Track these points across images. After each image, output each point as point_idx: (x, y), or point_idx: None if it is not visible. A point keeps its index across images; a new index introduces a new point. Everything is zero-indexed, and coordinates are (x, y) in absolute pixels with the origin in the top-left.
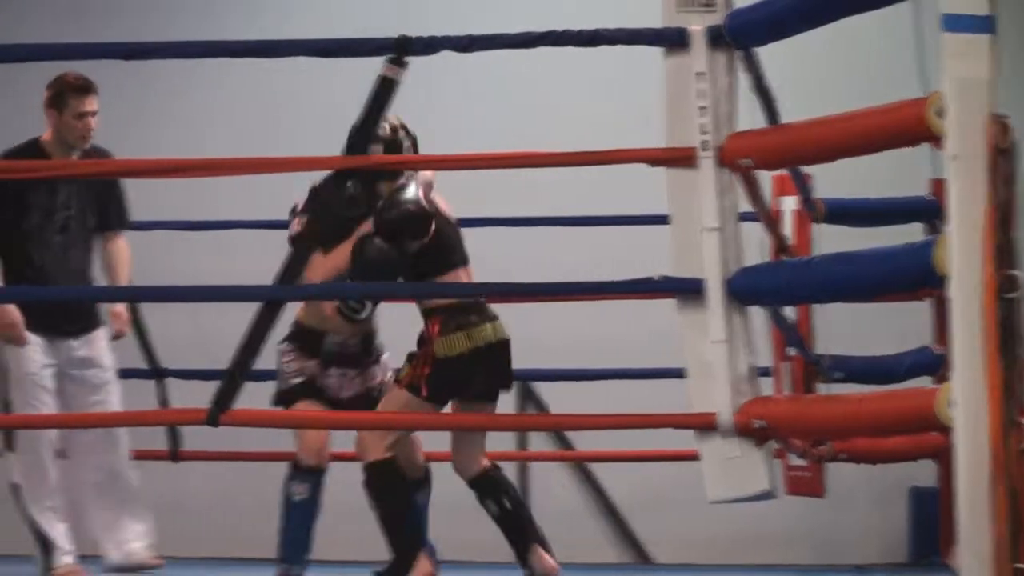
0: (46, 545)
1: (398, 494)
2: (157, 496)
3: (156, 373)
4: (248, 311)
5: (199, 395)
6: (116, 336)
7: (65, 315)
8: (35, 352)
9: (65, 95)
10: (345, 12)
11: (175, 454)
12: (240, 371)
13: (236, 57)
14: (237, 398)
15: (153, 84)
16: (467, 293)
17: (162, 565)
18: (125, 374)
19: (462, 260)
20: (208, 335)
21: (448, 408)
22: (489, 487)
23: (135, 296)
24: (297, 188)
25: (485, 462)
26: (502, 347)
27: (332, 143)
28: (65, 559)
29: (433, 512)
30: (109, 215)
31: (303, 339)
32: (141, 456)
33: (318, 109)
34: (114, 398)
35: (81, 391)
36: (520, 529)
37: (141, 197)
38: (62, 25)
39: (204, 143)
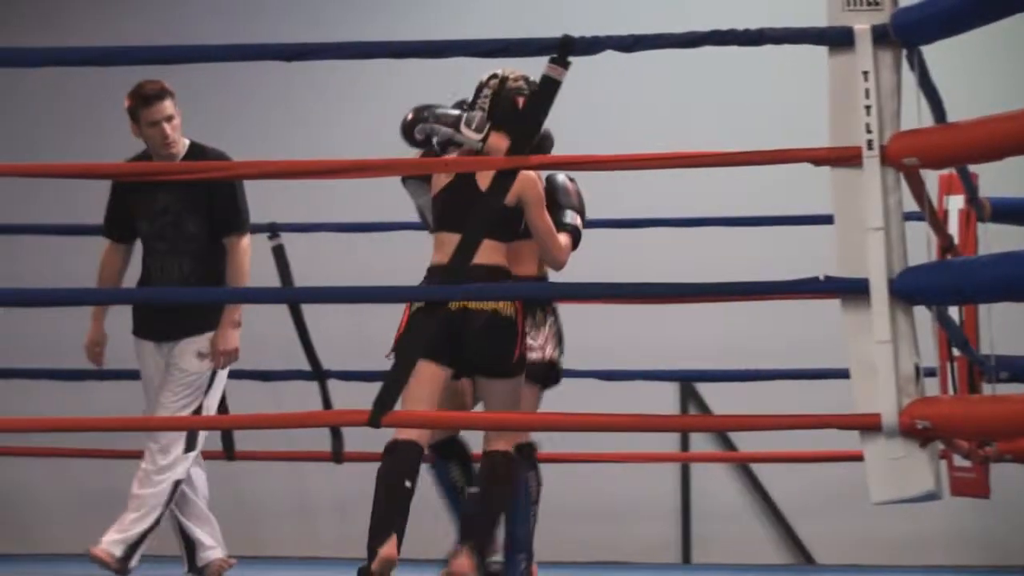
0: (190, 544)
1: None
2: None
3: (318, 375)
4: None
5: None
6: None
7: (161, 319)
8: (143, 359)
9: (136, 107)
10: (495, 13)
11: (338, 455)
12: (403, 373)
13: (401, 58)
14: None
15: (299, 86)
16: (635, 295)
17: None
18: (288, 375)
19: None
20: (370, 336)
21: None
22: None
23: (296, 298)
24: None
25: (502, 445)
26: (465, 316)
27: None
28: (210, 554)
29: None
30: (216, 220)
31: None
32: (306, 458)
33: None
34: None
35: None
36: (470, 523)
37: (300, 199)
38: (205, 26)
39: (334, 145)
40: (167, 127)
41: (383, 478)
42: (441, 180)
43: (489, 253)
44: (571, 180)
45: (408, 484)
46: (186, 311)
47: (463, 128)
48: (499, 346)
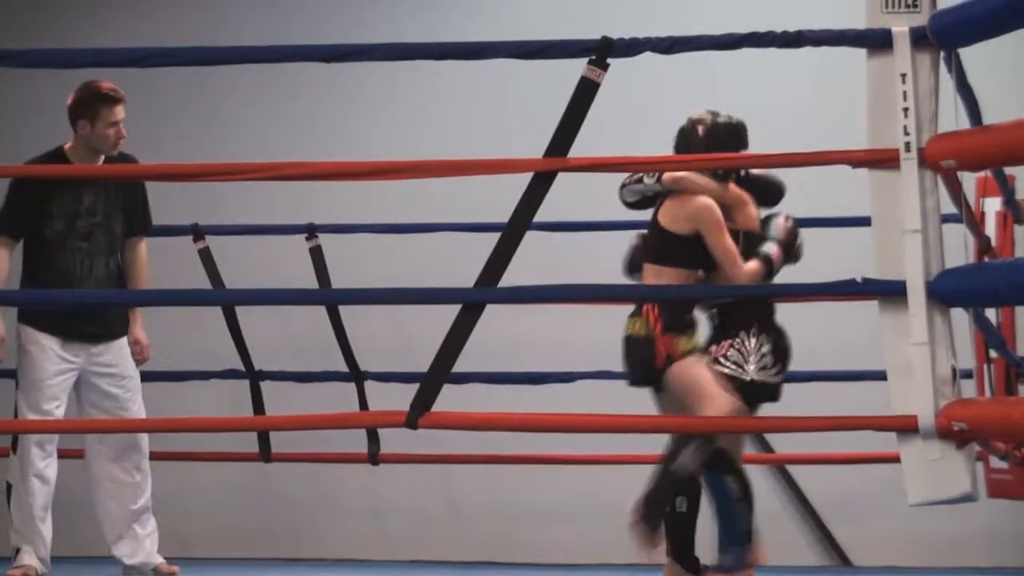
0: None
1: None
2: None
3: (356, 376)
4: (449, 314)
5: (398, 398)
6: (138, 362)
7: (93, 321)
8: (47, 359)
9: (97, 105)
10: (533, 14)
11: (375, 457)
12: (440, 374)
13: (441, 60)
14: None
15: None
16: (677, 297)
17: (176, 572)
18: (324, 376)
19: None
20: (408, 338)
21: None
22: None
23: (340, 299)
24: (491, 191)
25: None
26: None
27: (527, 144)
28: (28, 559)
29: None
30: (135, 221)
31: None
32: (343, 459)
33: (511, 111)
34: (136, 406)
35: (104, 400)
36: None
37: (338, 201)
38: (261, 29)
39: (393, 147)
40: (122, 128)
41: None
42: None
43: (650, 277)
44: (788, 218)
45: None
46: (121, 312)
47: (644, 177)
48: (637, 365)
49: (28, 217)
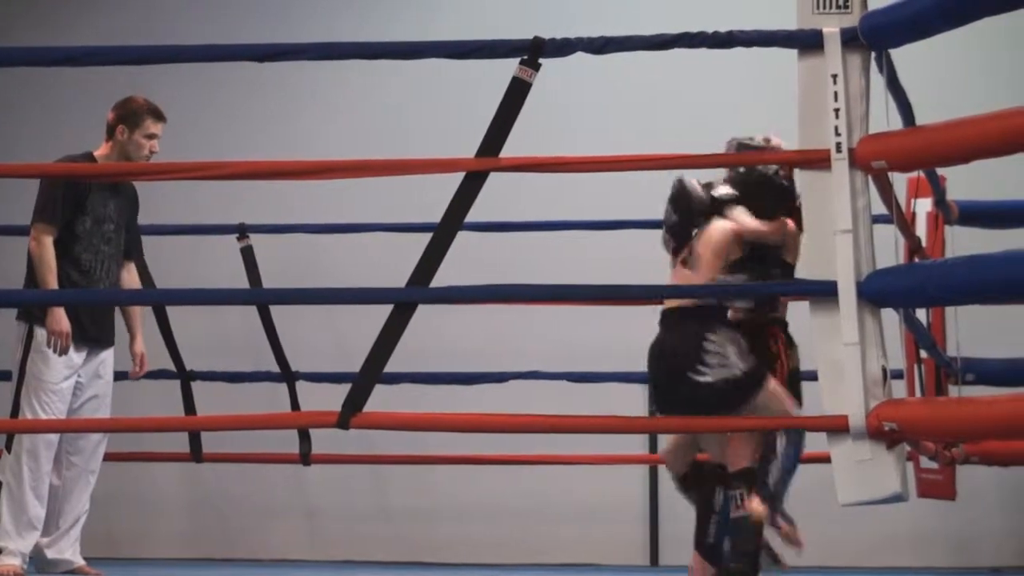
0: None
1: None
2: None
3: (287, 376)
4: (382, 314)
5: (330, 398)
6: (135, 376)
7: (101, 326)
8: (60, 361)
9: (142, 116)
10: (469, 14)
11: (306, 457)
12: (372, 374)
13: (375, 59)
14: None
15: (274, 87)
16: (601, 297)
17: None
18: (256, 377)
19: None
20: (340, 338)
21: None
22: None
23: (271, 298)
24: (423, 191)
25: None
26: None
27: (455, 145)
28: (10, 560)
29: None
30: (132, 243)
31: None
32: (275, 460)
33: (440, 111)
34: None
35: (87, 404)
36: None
37: (270, 200)
38: (197, 26)
39: (318, 146)
40: (156, 144)
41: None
42: None
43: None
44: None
45: None
46: (114, 318)
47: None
48: None
49: (67, 209)
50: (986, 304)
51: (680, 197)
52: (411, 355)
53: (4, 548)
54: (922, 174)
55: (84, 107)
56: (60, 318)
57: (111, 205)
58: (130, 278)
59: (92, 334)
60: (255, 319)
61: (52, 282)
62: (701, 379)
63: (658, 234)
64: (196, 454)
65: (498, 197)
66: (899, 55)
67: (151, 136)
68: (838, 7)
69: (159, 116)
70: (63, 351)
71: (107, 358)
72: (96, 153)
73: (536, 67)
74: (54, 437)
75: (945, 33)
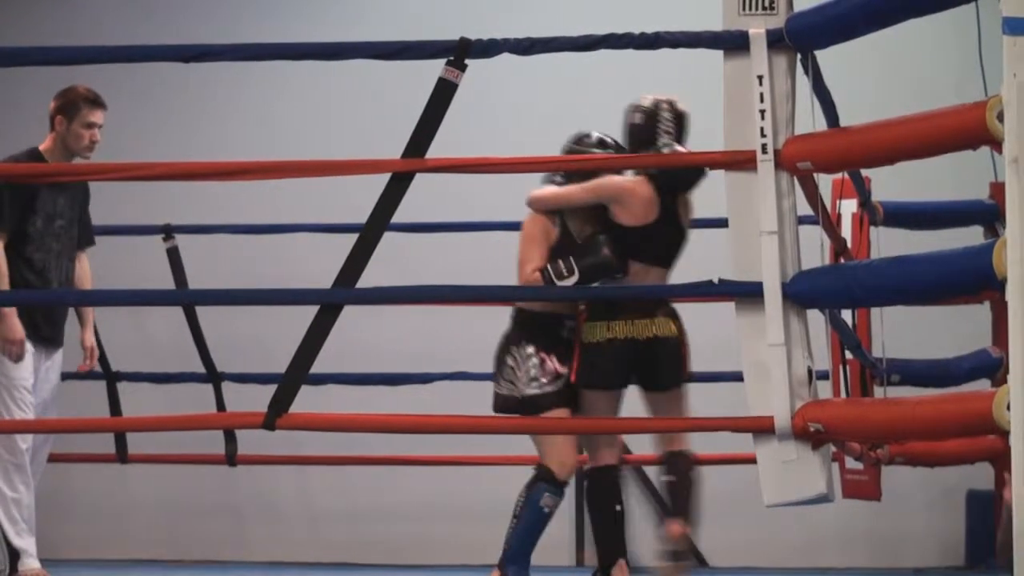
0: (12, 552)
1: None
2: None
3: (213, 377)
4: (308, 315)
5: (256, 399)
6: (84, 369)
7: (54, 326)
8: (28, 360)
9: (78, 104)
10: (404, 16)
11: (232, 458)
12: (298, 375)
13: (299, 60)
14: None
15: (211, 87)
16: (527, 298)
17: None
18: (181, 378)
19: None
20: (266, 339)
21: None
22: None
23: (197, 299)
24: (350, 192)
25: (684, 445)
26: (651, 343)
27: (385, 145)
28: (32, 563)
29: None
30: (83, 232)
31: (540, 331)
32: (200, 460)
33: (372, 111)
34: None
35: (39, 404)
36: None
37: (201, 200)
38: (130, 26)
39: (259, 147)
40: (98, 132)
41: (599, 506)
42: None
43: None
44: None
45: (619, 507)
46: (66, 318)
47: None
48: (676, 366)
49: (15, 212)
50: (911, 305)
51: None
52: (338, 356)
53: (22, 550)
54: (847, 175)
55: (23, 106)
56: (13, 326)
57: (60, 200)
58: (82, 270)
59: (45, 333)
60: (181, 320)
61: (4, 286)
62: (496, 388)
63: None
64: (122, 455)
65: (426, 197)
66: (824, 56)
67: (90, 125)
68: (764, 8)
69: (97, 103)
70: (19, 358)
71: (57, 359)
72: (41, 147)
73: (463, 68)
74: (29, 435)
75: (870, 35)
